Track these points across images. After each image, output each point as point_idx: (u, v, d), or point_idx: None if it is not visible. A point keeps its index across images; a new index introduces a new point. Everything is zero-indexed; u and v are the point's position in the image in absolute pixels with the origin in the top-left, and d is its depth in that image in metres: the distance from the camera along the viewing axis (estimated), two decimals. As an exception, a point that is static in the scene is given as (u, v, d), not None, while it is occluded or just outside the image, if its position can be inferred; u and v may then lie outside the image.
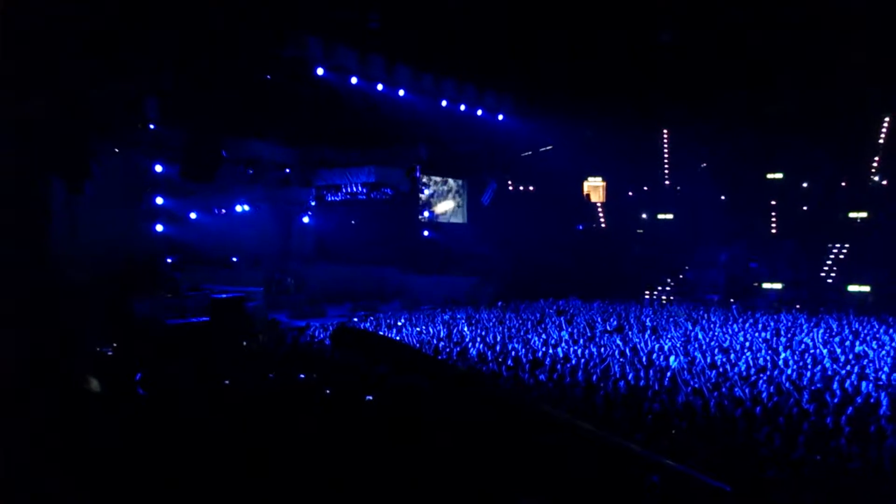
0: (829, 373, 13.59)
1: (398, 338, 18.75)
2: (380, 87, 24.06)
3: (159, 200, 23.52)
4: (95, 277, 18.29)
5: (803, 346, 17.08)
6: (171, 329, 17.99)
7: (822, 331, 19.66)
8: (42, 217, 14.92)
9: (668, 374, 13.48)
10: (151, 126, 21.39)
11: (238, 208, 27.58)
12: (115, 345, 14.90)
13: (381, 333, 19.44)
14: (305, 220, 31.31)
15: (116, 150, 21.24)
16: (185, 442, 8.63)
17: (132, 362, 14.03)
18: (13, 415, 8.99)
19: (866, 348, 16.54)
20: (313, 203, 31.01)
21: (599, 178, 38.67)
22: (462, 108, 27.67)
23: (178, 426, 9.28)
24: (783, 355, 15.65)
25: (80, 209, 18.65)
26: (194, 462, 8.07)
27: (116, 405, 10.70)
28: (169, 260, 23.22)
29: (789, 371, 13.83)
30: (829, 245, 32.28)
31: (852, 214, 33.24)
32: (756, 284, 31.44)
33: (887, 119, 32.85)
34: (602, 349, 16.55)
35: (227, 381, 11.79)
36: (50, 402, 9.84)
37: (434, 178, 34.36)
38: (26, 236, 13.90)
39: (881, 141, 33.21)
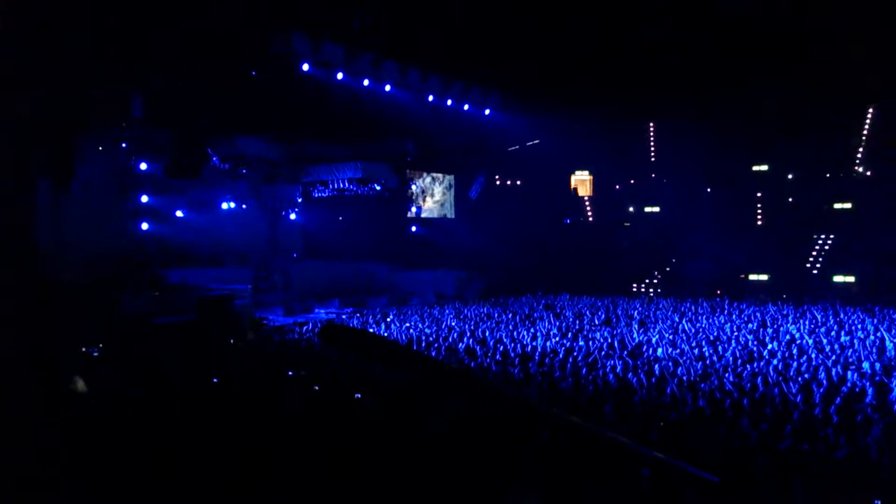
0: (816, 363, 13.69)
1: (386, 334, 18.73)
2: (366, 82, 24.01)
3: (144, 199, 23.37)
4: (81, 277, 18.18)
5: (789, 336, 17.20)
6: (159, 327, 17.89)
7: (807, 321, 19.81)
8: (28, 217, 14.82)
9: (657, 366, 13.54)
10: (136, 124, 21.24)
11: (224, 205, 27.44)
12: (101, 345, 14.81)
13: (370, 330, 19.42)
14: (293, 216, 31.20)
15: (101, 149, 21.08)
16: (173, 439, 8.60)
17: (119, 361, 13.97)
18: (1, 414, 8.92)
19: (852, 338, 16.68)
20: (300, 199, 30.90)
21: (586, 172, 38.80)
22: (449, 103, 27.64)
23: (167, 424, 9.24)
24: (769, 346, 15.76)
25: (66, 209, 18.51)
26: (183, 459, 8.04)
27: (104, 404, 10.65)
28: (155, 258, 23.09)
29: (776, 362, 13.93)
30: (815, 236, 32.53)
31: (837, 205, 33.49)
32: (742, 276, 31.65)
33: (871, 110, 33.10)
34: (590, 342, 16.60)
35: (215, 380, 11.75)
36: (37, 401, 9.77)
37: (421, 173, 34.33)
38: (12, 236, 13.79)
39: (865, 132, 33.47)
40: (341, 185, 29.31)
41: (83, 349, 14.62)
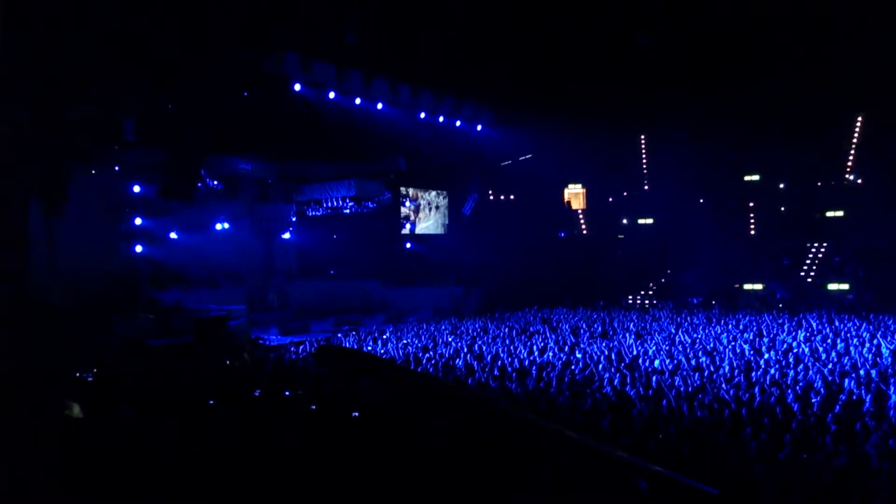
0: (812, 371, 13.70)
1: (383, 351, 18.68)
2: (358, 101, 24.09)
3: (138, 221, 23.35)
4: (75, 299, 18.11)
5: (785, 345, 17.22)
6: (154, 349, 17.80)
7: (803, 330, 19.83)
8: (21, 240, 14.74)
9: (654, 377, 13.52)
10: (128, 146, 21.27)
11: (218, 226, 27.42)
12: (95, 370, 14.73)
13: (365, 349, 19.38)
14: (287, 235, 31.20)
15: (93, 172, 21.08)
16: (170, 462, 8.55)
17: (114, 385, 13.88)
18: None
19: (848, 346, 16.71)
20: (294, 218, 30.91)
21: (579, 185, 38.94)
22: (440, 119, 27.74)
23: (165, 446, 9.19)
24: (766, 356, 15.76)
25: (59, 231, 18.47)
26: (180, 481, 7.99)
27: (101, 428, 10.58)
28: (149, 280, 23.02)
29: (773, 371, 13.93)
30: (808, 244, 32.65)
31: (829, 213, 33.67)
32: (737, 286, 31.71)
33: (860, 118, 33.35)
34: (587, 355, 16.58)
35: (211, 401, 11.69)
36: (32, 426, 9.70)
37: (414, 189, 34.39)
38: (4, 259, 13.73)
39: (855, 140, 33.72)
40: (335, 204, 29.36)
41: (77, 374, 14.53)
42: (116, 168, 22.10)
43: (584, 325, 22.38)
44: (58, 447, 8.89)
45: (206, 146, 20.92)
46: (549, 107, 29.09)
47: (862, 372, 13.54)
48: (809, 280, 31.36)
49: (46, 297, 16.53)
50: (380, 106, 24.97)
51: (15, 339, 12.06)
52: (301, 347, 19.37)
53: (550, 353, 17.11)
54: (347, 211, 29.53)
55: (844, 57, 27.03)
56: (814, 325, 20.77)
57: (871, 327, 19.80)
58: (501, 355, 16.93)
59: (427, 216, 35.15)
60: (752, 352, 16.49)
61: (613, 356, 16.29)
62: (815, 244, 32.55)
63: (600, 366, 15.12)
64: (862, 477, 8.14)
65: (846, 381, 12.66)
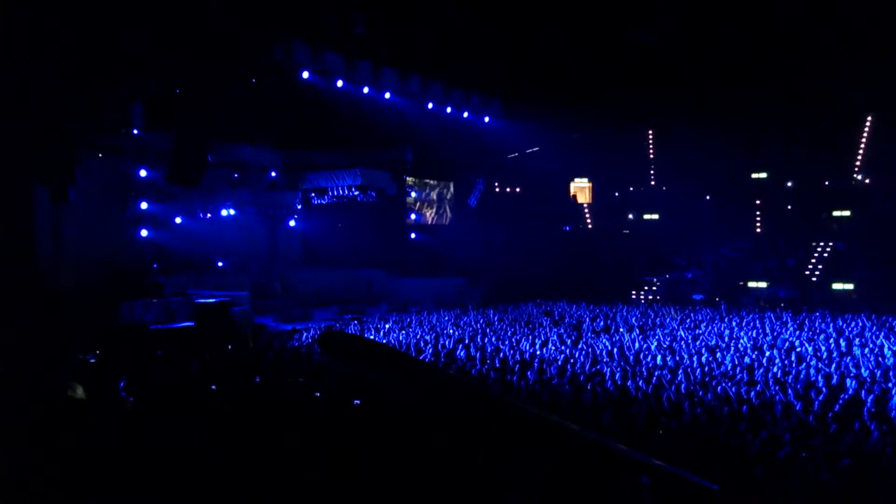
0: (814, 370, 13.69)
1: (385, 341, 18.71)
2: (366, 90, 24.07)
3: (144, 206, 23.40)
4: (80, 284, 18.17)
5: (788, 344, 17.19)
6: (156, 334, 17.86)
7: (806, 329, 19.80)
8: (28, 225, 14.82)
9: (656, 373, 13.52)
10: (136, 131, 21.29)
11: (224, 212, 27.46)
12: (98, 352, 14.79)
13: (369, 337, 19.41)
14: (292, 223, 31.25)
15: (100, 156, 21.10)
16: (171, 448, 8.58)
17: (117, 368, 13.94)
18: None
19: (851, 346, 16.67)
20: (300, 206, 30.96)
21: (585, 179, 38.85)
22: (448, 110, 27.70)
23: (164, 431, 9.23)
24: (768, 354, 15.75)
25: (65, 216, 18.51)
26: (179, 468, 8.03)
27: (102, 411, 10.63)
28: (154, 265, 23.08)
29: (775, 369, 13.92)
30: (814, 243, 32.53)
31: (836, 213, 33.53)
32: (741, 283, 31.65)
33: (869, 118, 33.19)
34: (589, 350, 16.58)
35: (213, 386, 11.73)
36: (35, 409, 9.76)
37: (421, 180, 34.36)
38: (12, 244, 13.80)
39: (863, 140, 33.56)
40: (341, 192, 29.40)
41: (81, 356, 14.59)
42: (124, 153, 22.14)
43: (586, 320, 22.38)
44: (59, 430, 8.93)
45: (213, 133, 20.94)
46: (557, 100, 29.01)
47: (864, 372, 13.53)
48: (814, 279, 31.27)
49: (52, 280, 16.61)
50: (388, 95, 24.96)
51: (21, 322, 12.12)
52: (304, 335, 19.42)
53: (553, 347, 17.12)
54: (353, 200, 29.54)
55: (855, 56, 26.89)
56: (817, 324, 20.73)
57: (874, 328, 19.75)
58: (503, 348, 16.95)
59: (433, 207, 35.11)
60: (754, 350, 16.47)
61: (616, 351, 16.30)
62: (821, 243, 32.43)
63: (602, 360, 15.13)
64: (862, 477, 8.14)
65: (848, 380, 12.65)
